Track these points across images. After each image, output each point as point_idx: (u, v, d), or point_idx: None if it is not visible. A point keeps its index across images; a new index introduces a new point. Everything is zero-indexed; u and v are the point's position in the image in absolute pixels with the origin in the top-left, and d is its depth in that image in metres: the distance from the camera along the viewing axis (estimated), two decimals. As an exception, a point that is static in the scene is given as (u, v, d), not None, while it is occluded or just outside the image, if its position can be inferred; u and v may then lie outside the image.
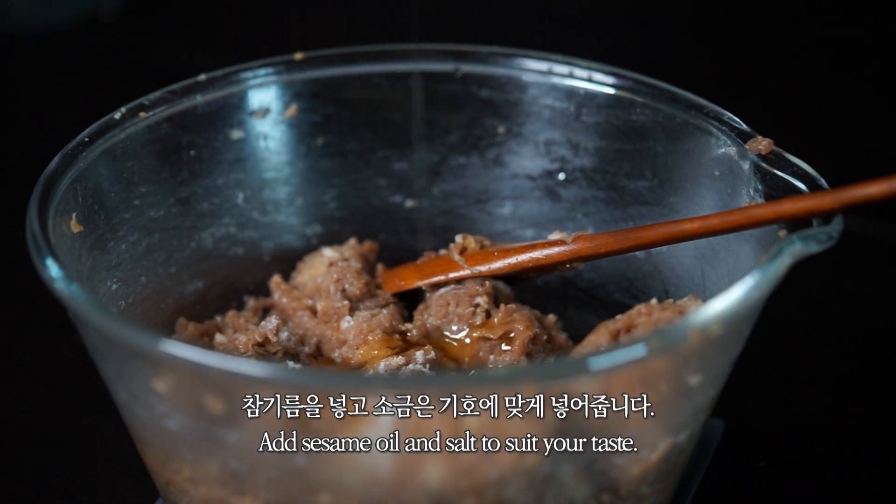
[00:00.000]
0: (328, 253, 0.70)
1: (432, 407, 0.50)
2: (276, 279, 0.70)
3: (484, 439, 0.51)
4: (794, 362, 0.77)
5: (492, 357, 0.65)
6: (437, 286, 0.68)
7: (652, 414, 0.54)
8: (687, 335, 0.51)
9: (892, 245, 0.87)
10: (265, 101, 0.71)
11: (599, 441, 0.53)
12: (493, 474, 0.52)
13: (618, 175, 0.70)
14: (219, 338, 0.67)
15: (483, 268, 0.67)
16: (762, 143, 0.62)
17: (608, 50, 1.11)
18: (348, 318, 0.66)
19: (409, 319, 0.68)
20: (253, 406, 0.52)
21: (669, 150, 0.67)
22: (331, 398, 0.51)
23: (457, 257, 0.68)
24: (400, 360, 0.63)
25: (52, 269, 0.55)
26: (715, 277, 0.64)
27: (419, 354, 0.64)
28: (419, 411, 0.51)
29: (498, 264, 0.67)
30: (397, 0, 1.21)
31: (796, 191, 0.60)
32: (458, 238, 0.68)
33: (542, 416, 0.51)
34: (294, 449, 0.52)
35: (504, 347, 0.65)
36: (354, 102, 0.72)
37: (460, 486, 0.52)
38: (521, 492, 0.53)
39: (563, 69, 0.70)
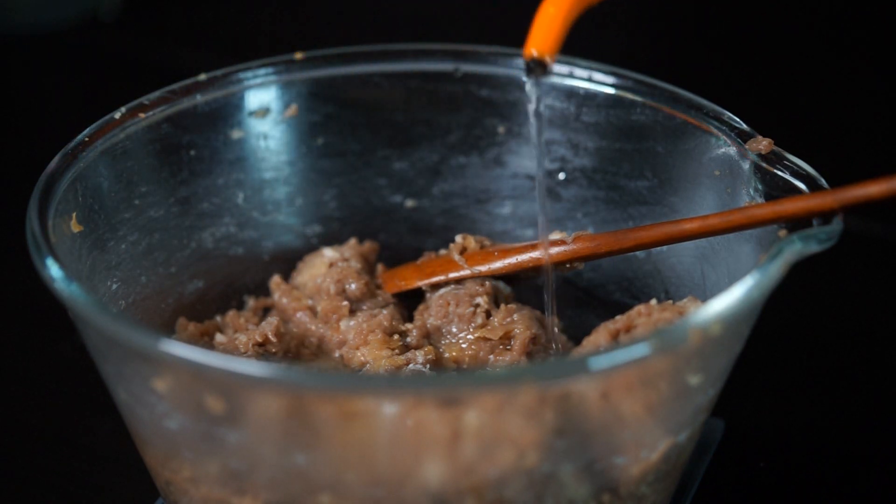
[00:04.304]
0: (328, 253, 0.70)
1: (432, 407, 0.51)
2: (276, 279, 0.70)
3: (484, 439, 0.51)
4: (794, 362, 0.77)
5: (492, 357, 0.65)
6: (437, 286, 0.68)
7: (652, 414, 0.54)
8: (687, 335, 0.51)
9: (892, 245, 0.87)
10: (265, 100, 0.71)
11: (599, 441, 0.53)
12: (493, 474, 0.52)
13: (618, 175, 0.70)
14: (219, 338, 0.67)
15: (483, 268, 0.67)
16: (762, 143, 0.62)
17: (608, 50, 1.11)
18: (348, 318, 0.66)
19: (409, 319, 0.68)
20: (253, 406, 0.52)
21: (669, 150, 0.67)
22: (331, 398, 0.51)
23: (457, 257, 0.68)
24: (400, 359, 0.64)
25: (52, 269, 0.55)
26: (715, 277, 0.64)
27: (419, 354, 0.64)
28: (419, 411, 0.51)
29: (498, 264, 0.67)
30: (397, 0, 1.21)
31: (796, 191, 0.60)
32: (458, 238, 0.68)
33: (542, 416, 0.51)
34: (294, 449, 0.52)
35: (504, 348, 0.65)
36: (354, 102, 0.72)
37: (460, 486, 0.52)
38: (521, 492, 0.53)
39: (563, 69, 0.70)
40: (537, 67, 0.59)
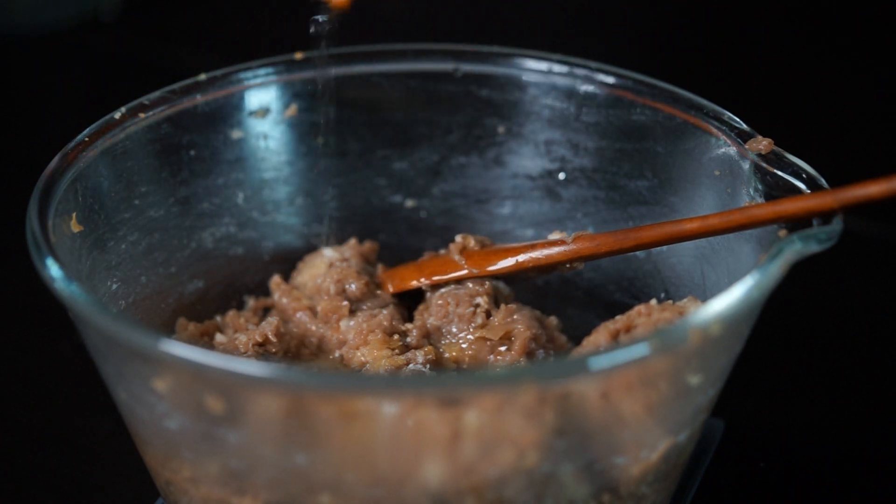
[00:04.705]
0: (328, 253, 0.70)
1: (432, 407, 0.51)
2: (276, 279, 0.70)
3: (484, 439, 0.51)
4: (794, 362, 0.77)
5: (492, 357, 0.65)
6: (437, 286, 0.68)
7: (652, 414, 0.54)
8: (687, 335, 0.51)
9: (892, 245, 0.87)
10: (265, 100, 0.71)
11: (599, 441, 0.53)
12: (493, 474, 0.52)
13: (618, 175, 0.70)
14: (219, 338, 0.67)
15: (483, 268, 0.67)
16: (762, 143, 0.62)
17: (608, 50, 1.11)
18: (348, 318, 0.66)
19: (409, 319, 0.68)
20: (253, 406, 0.52)
21: (669, 150, 0.67)
22: (331, 398, 0.51)
23: (457, 257, 0.68)
24: (400, 359, 0.64)
25: (52, 269, 0.55)
26: (715, 277, 0.64)
27: (419, 354, 0.64)
28: (419, 411, 0.51)
29: (498, 264, 0.67)
30: (397, 0, 1.21)
31: (796, 191, 0.60)
32: (458, 238, 0.68)
33: (542, 416, 0.51)
34: (294, 449, 0.52)
35: (504, 348, 0.65)
36: (354, 102, 0.72)
37: (460, 486, 0.52)
38: (521, 492, 0.53)
39: (563, 69, 0.70)
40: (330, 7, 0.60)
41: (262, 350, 0.64)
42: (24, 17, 1.13)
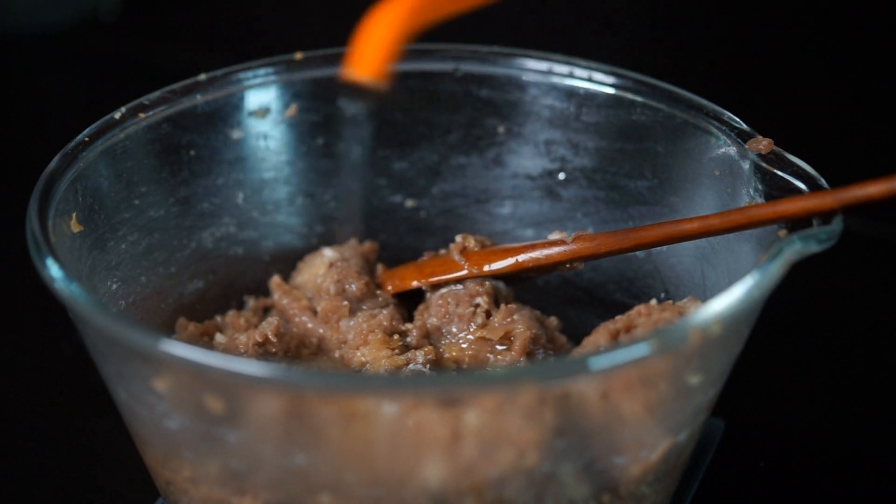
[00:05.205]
0: (328, 253, 0.70)
1: (432, 407, 0.51)
2: (276, 279, 0.70)
3: (484, 439, 0.51)
4: (794, 362, 0.77)
5: (492, 357, 0.65)
6: (437, 286, 0.68)
7: (652, 414, 0.54)
8: (687, 335, 0.51)
9: (892, 245, 0.87)
10: (265, 100, 0.71)
11: (599, 441, 0.53)
12: (493, 474, 0.52)
13: (618, 175, 0.70)
14: (219, 338, 0.67)
15: (483, 268, 0.67)
16: (762, 143, 0.62)
17: (608, 50, 1.11)
18: (348, 318, 0.66)
19: (409, 319, 0.68)
20: (253, 406, 0.52)
21: (669, 150, 0.67)
22: (331, 398, 0.51)
23: (457, 257, 0.68)
24: (400, 359, 0.64)
25: (52, 269, 0.55)
26: (715, 277, 0.64)
27: (419, 354, 0.64)
28: (419, 411, 0.51)
29: (498, 264, 0.67)
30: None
31: (796, 191, 0.60)
32: (458, 238, 0.68)
33: (542, 416, 0.51)
34: (294, 449, 0.52)
35: (504, 348, 0.65)
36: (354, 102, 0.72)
37: (460, 486, 0.52)
38: (521, 492, 0.53)
39: (563, 69, 0.70)
40: (366, 93, 0.56)
41: (262, 350, 0.64)
42: (24, 17, 1.13)
